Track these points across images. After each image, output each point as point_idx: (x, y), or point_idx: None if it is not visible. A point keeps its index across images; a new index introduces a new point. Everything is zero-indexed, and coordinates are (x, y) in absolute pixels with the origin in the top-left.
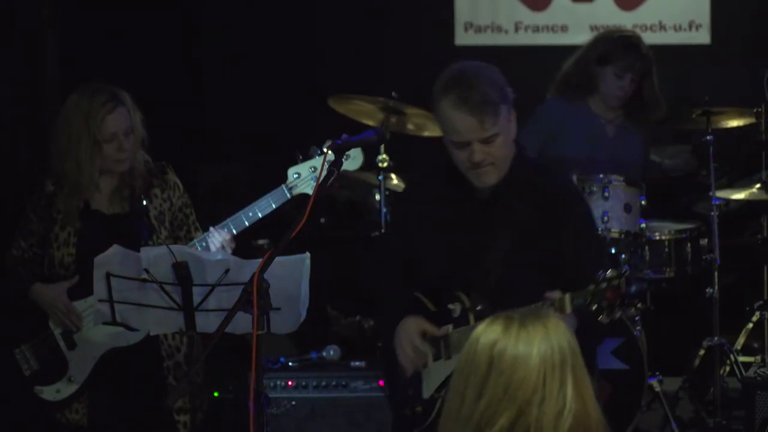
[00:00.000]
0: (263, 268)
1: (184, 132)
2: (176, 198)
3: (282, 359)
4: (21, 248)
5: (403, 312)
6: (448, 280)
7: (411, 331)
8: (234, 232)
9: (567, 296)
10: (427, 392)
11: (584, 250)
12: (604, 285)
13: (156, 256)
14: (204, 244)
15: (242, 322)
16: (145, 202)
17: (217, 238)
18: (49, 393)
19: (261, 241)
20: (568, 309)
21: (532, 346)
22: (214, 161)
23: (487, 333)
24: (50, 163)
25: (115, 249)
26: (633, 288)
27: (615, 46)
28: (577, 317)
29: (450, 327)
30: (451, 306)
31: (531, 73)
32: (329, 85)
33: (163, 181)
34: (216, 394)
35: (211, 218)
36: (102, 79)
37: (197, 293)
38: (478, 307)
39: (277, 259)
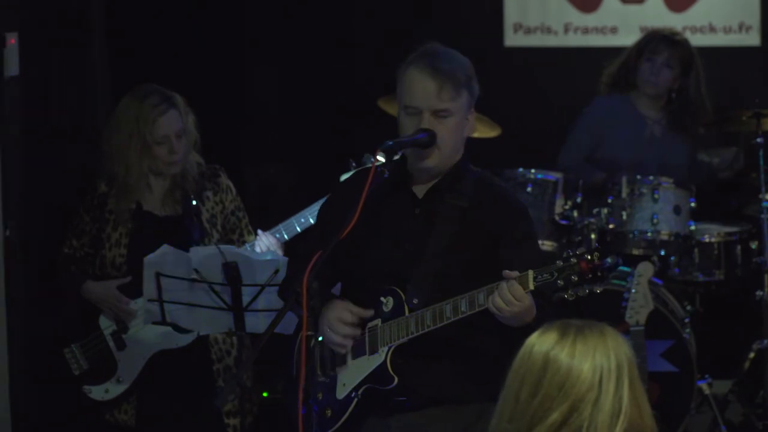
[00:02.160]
0: (313, 269)
1: (232, 135)
2: (229, 201)
3: None
4: (73, 247)
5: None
6: (379, 276)
7: (340, 310)
8: (286, 238)
9: (530, 272)
10: (341, 392)
11: (526, 257)
12: (574, 260)
13: (206, 256)
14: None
15: (292, 323)
16: (196, 204)
17: (264, 243)
18: (98, 393)
19: None
20: (531, 285)
21: (588, 354)
22: (262, 164)
23: (542, 341)
24: (103, 164)
25: (165, 249)
26: (608, 260)
27: (650, 37)
28: (537, 296)
29: (378, 321)
30: (382, 299)
31: (580, 75)
32: (379, 86)
33: (215, 184)
34: (265, 394)
35: (260, 221)
36: (152, 82)
37: (247, 293)
38: (414, 300)
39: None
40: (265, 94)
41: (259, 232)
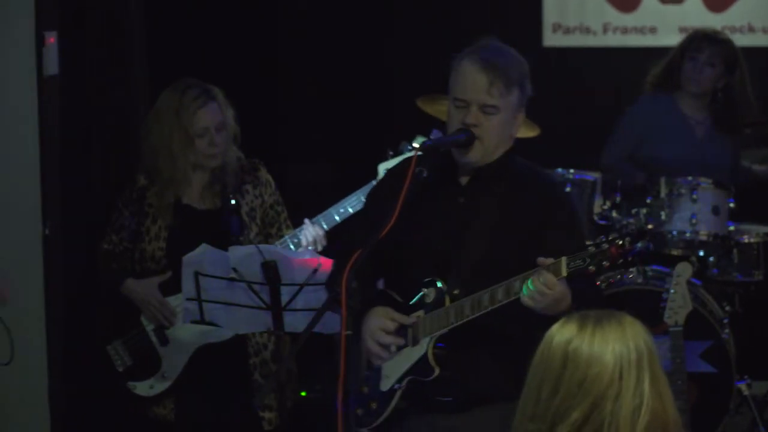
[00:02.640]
0: (352, 267)
1: (271, 132)
2: (268, 195)
3: None
4: (112, 242)
5: (370, 304)
6: (423, 266)
7: (381, 319)
8: (325, 227)
9: (563, 259)
10: (385, 384)
11: (567, 245)
12: (605, 245)
13: (244, 256)
14: (296, 240)
15: (331, 322)
16: (236, 200)
17: (310, 232)
18: (143, 389)
19: None
20: (564, 272)
21: (607, 344)
22: (301, 161)
23: (562, 332)
24: (142, 158)
25: (203, 248)
26: (638, 245)
27: (693, 37)
28: (572, 283)
29: (421, 313)
30: (424, 290)
31: (619, 75)
32: (417, 85)
33: (255, 178)
34: (303, 393)
35: (300, 217)
36: (193, 77)
37: (285, 293)
38: (455, 291)
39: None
40: (303, 91)
41: (306, 221)
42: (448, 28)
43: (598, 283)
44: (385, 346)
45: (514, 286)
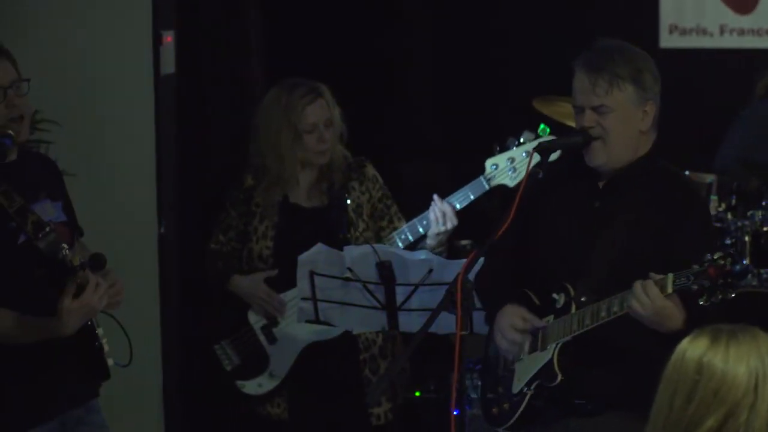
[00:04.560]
0: (467, 268)
1: (381, 131)
2: (375, 190)
3: None
4: (219, 242)
5: (508, 300)
6: (557, 271)
7: (512, 316)
8: (458, 207)
9: (670, 276)
10: (516, 387)
11: (699, 252)
12: (706, 264)
13: (360, 255)
14: (425, 222)
15: (445, 323)
16: (343, 195)
17: (438, 207)
18: (251, 387)
19: (464, 242)
20: (670, 289)
21: (741, 358)
22: (415, 160)
23: (694, 346)
24: (250, 157)
25: (318, 248)
26: (737, 267)
27: None
28: (681, 301)
29: (551, 318)
30: (555, 296)
31: (735, 77)
32: (533, 86)
33: (361, 174)
34: (417, 393)
35: (413, 216)
36: (304, 77)
37: (400, 293)
38: (582, 298)
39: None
40: (417, 91)
41: (435, 197)
42: (565, 31)
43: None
44: (515, 343)
45: (627, 299)
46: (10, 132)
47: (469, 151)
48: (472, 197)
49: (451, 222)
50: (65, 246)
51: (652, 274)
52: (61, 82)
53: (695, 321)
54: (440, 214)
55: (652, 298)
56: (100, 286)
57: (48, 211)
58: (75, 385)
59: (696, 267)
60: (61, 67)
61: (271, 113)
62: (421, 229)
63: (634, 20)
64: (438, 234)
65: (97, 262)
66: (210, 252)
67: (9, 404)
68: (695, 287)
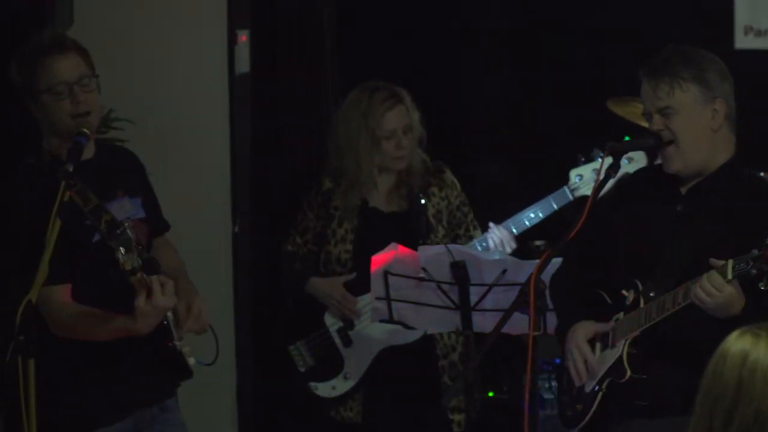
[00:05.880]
0: (541, 268)
1: (457, 133)
2: (454, 197)
3: (557, 360)
4: (296, 244)
5: (579, 313)
6: (630, 269)
7: (579, 341)
8: (515, 232)
9: (730, 261)
10: (589, 386)
11: None
12: (765, 248)
13: (434, 255)
14: (484, 244)
15: (518, 323)
16: (423, 201)
17: (497, 235)
18: (324, 390)
19: (538, 242)
20: (730, 274)
21: None
22: (487, 162)
23: (737, 344)
24: (328, 160)
25: (392, 247)
26: None
27: None
28: (743, 287)
29: (621, 314)
30: (625, 292)
31: None
32: (607, 87)
33: (440, 180)
34: (491, 394)
35: (488, 219)
36: (380, 80)
37: (474, 293)
38: (651, 293)
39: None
40: (490, 92)
41: (491, 225)
42: (640, 32)
43: None
44: (579, 375)
45: (692, 288)
46: (86, 130)
47: (547, 153)
48: (555, 207)
49: (510, 247)
50: (140, 245)
51: (713, 260)
52: (136, 81)
53: (754, 307)
54: (499, 242)
55: (717, 287)
56: (166, 286)
57: (126, 208)
58: (148, 384)
59: (755, 252)
60: (136, 66)
61: (350, 116)
62: (479, 249)
63: (708, 22)
64: None
65: (150, 267)
66: (286, 253)
67: (81, 402)
68: (754, 272)
